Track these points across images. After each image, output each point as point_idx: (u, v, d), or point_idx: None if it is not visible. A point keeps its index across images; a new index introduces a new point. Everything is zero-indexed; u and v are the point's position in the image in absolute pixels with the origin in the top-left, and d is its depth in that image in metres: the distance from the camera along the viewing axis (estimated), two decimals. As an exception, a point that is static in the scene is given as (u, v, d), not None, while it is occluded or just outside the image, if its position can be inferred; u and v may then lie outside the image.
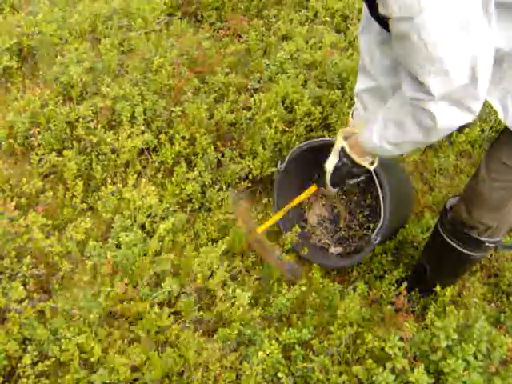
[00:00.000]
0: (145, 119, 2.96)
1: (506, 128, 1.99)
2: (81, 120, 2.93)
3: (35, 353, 2.24)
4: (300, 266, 2.81)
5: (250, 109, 3.12)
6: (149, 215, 2.66)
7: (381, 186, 2.55)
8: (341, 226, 3.00)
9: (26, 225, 2.47)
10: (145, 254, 2.47)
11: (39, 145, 2.93)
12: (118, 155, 2.85)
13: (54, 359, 2.24)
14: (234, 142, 3.02)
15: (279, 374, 2.26)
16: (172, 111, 2.98)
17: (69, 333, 2.25)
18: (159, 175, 2.85)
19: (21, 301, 2.32)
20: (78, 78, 3.06)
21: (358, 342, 2.31)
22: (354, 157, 2.14)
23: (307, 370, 2.27)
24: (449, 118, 1.71)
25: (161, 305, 2.35)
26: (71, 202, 2.73)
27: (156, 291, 2.34)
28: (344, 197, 3.04)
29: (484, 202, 2.16)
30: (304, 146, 2.75)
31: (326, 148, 2.56)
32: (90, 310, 2.27)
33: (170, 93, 3.10)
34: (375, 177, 2.52)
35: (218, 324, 2.45)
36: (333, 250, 2.94)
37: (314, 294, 2.58)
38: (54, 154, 2.84)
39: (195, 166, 2.89)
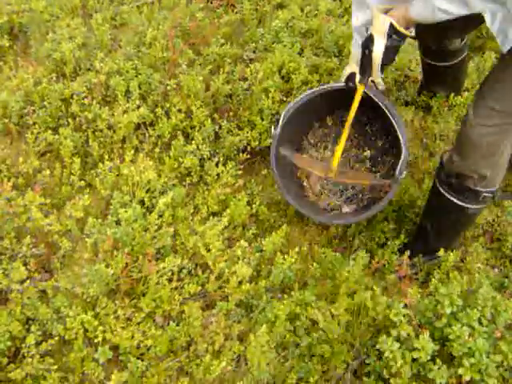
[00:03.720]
0: (140, 94, 2.92)
1: (493, 70, 2.16)
2: (75, 97, 2.89)
3: (39, 332, 2.23)
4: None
5: (246, 79, 3.07)
6: (147, 190, 2.63)
7: (394, 117, 2.50)
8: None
9: (24, 204, 2.45)
10: (145, 230, 2.45)
11: (34, 123, 2.89)
12: (114, 131, 2.82)
13: (57, 338, 2.23)
14: (231, 113, 2.98)
15: (285, 342, 2.28)
16: (167, 84, 2.94)
17: (72, 311, 2.24)
18: (157, 150, 2.82)
19: (22, 281, 2.31)
20: (71, 54, 3.01)
21: (363, 311, 2.31)
22: (400, 28, 2.15)
23: (312, 340, 2.28)
24: None
25: (162, 280, 2.33)
26: (69, 179, 2.71)
27: (157, 266, 2.32)
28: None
29: (475, 148, 2.17)
30: (297, 104, 2.64)
31: (325, 97, 2.61)
32: (93, 287, 2.26)
33: (164, 66, 3.06)
34: (385, 109, 2.49)
35: (219, 297, 2.44)
36: (346, 209, 2.87)
37: (315, 264, 2.57)
38: (49, 132, 2.81)
39: (193, 139, 2.85)
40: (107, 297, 2.33)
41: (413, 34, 2.22)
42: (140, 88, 2.94)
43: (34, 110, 2.90)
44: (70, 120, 2.87)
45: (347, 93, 2.53)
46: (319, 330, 2.30)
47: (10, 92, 2.96)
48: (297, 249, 2.52)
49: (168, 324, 2.30)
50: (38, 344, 2.21)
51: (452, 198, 2.37)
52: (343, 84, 2.57)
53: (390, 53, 2.24)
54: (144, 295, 2.32)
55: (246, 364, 2.28)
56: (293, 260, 2.48)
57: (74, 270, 2.45)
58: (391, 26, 2.13)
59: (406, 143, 2.47)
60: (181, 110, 2.87)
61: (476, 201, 2.34)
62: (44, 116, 2.87)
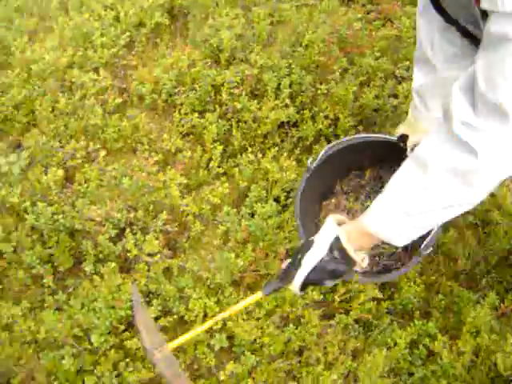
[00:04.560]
0: (290, 92, 2.91)
1: None
2: (226, 84, 2.91)
3: (159, 307, 2.25)
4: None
5: (396, 97, 3.01)
6: (282, 189, 2.61)
7: None
8: None
9: (163, 180, 2.48)
10: (278, 227, 2.43)
11: (181, 104, 2.93)
12: (258, 125, 2.82)
13: (176, 316, 2.25)
14: (376, 128, 2.92)
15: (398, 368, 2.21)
16: (318, 88, 2.91)
17: (195, 293, 2.25)
18: (296, 151, 2.80)
19: (151, 255, 2.34)
20: (229, 42, 3.04)
21: (483, 354, 2.21)
22: (350, 250, 1.57)
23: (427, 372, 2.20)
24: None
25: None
26: (207, 164, 2.73)
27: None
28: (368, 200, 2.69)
29: None
30: (343, 143, 2.40)
31: (372, 147, 2.39)
32: (220, 273, 2.25)
33: (317, 69, 3.03)
34: None
35: (341, 310, 2.39)
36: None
37: (440, 295, 2.47)
38: (196, 115, 2.84)
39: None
40: (231, 285, 2.32)
41: (364, 263, 1.63)
42: (290, 87, 2.92)
43: (183, 91, 2.94)
44: (216, 106, 2.89)
45: (395, 149, 2.27)
46: (436, 363, 2.22)
47: (164, 69, 3.02)
48: (424, 277, 2.44)
49: (285, 325, 2.27)
50: (156, 318, 2.23)
51: None
52: (394, 138, 2.31)
53: (325, 274, 1.61)
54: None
55: (355, 381, 2.22)
56: (418, 289, 2.41)
57: (201, 254, 2.45)
58: (337, 239, 1.58)
59: None
60: (327, 117, 2.84)
61: None
62: (193, 98, 2.91)
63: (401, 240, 1.52)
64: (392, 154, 2.19)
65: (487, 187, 1.38)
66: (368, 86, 3.01)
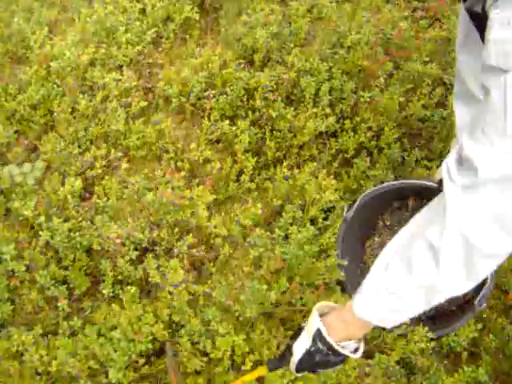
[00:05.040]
0: (329, 100, 2.66)
1: None
2: (260, 89, 2.67)
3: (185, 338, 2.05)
4: None
5: (444, 106, 2.75)
6: (321, 209, 2.38)
7: None
8: None
9: (190, 197, 2.26)
10: (314, 256, 2.20)
11: (211, 108, 2.70)
12: (295, 135, 2.58)
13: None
14: (423, 141, 2.68)
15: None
16: (360, 96, 2.67)
17: (222, 328, 2.04)
18: (335, 164, 2.56)
19: (176, 284, 2.13)
20: (264, 42, 2.79)
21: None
22: (333, 342, 1.47)
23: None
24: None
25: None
26: (238, 177, 2.50)
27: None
28: None
29: None
30: (378, 191, 2.26)
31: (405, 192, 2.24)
32: (250, 307, 2.04)
33: (359, 74, 2.78)
34: None
35: (378, 348, 2.17)
36: None
37: (490, 335, 2.24)
38: (226, 121, 2.61)
39: (376, 161, 2.58)
40: (262, 320, 2.11)
41: (357, 354, 1.51)
42: (330, 94, 2.68)
43: (213, 95, 2.71)
44: (249, 112, 2.66)
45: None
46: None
47: (193, 70, 2.79)
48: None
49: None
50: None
51: None
52: (433, 183, 2.18)
53: (315, 364, 1.52)
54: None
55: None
56: (469, 330, 2.18)
57: (229, 279, 2.24)
58: (318, 331, 1.49)
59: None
60: (371, 128, 2.59)
61: None
62: (223, 103, 2.68)
63: (387, 323, 1.43)
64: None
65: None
66: (414, 93, 2.75)
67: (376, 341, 2.13)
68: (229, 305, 2.11)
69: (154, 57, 2.95)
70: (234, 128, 2.60)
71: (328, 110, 2.62)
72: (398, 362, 2.13)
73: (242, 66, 2.80)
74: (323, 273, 2.13)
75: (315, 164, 2.46)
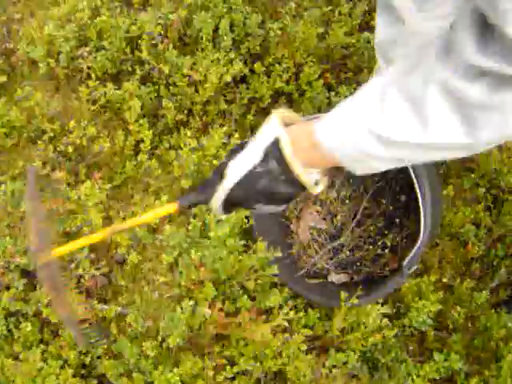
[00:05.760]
0: (232, 38, 2.17)
1: None
2: (145, 37, 2.15)
3: None
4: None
5: (369, 28, 2.30)
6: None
7: (420, 189, 1.65)
8: (344, 242, 2.09)
9: (75, 199, 1.78)
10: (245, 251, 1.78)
11: (89, 68, 2.17)
12: (196, 90, 2.10)
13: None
14: (350, 73, 2.23)
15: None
16: (270, 28, 2.18)
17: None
18: (250, 116, 2.11)
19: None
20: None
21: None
22: (295, 164, 1.03)
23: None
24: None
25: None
26: (136, 152, 2.03)
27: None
28: (348, 201, 2.10)
29: None
30: None
31: None
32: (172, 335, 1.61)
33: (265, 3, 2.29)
34: (412, 174, 1.65)
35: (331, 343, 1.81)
36: (333, 277, 2.03)
37: (458, 307, 1.90)
38: (110, 84, 2.09)
39: (298, 107, 2.13)
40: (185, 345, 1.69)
41: (318, 188, 1.07)
42: (232, 31, 2.18)
43: (89, 52, 2.18)
44: (136, 68, 2.15)
45: None
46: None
47: (58, 24, 2.23)
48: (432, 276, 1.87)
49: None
50: None
51: None
52: None
53: (255, 191, 1.07)
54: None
55: None
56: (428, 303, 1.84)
57: (142, 290, 1.80)
58: (275, 144, 1.03)
59: (428, 223, 1.66)
60: (288, 68, 2.13)
61: None
62: (102, 60, 2.15)
63: (358, 168, 1.01)
64: None
65: (492, 134, 0.86)
66: (333, 14, 2.28)
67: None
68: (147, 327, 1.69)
69: (10, 10, 2.37)
70: (120, 91, 2.09)
71: (233, 54, 2.13)
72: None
73: (118, 8, 2.25)
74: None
75: (226, 124, 2.00)
